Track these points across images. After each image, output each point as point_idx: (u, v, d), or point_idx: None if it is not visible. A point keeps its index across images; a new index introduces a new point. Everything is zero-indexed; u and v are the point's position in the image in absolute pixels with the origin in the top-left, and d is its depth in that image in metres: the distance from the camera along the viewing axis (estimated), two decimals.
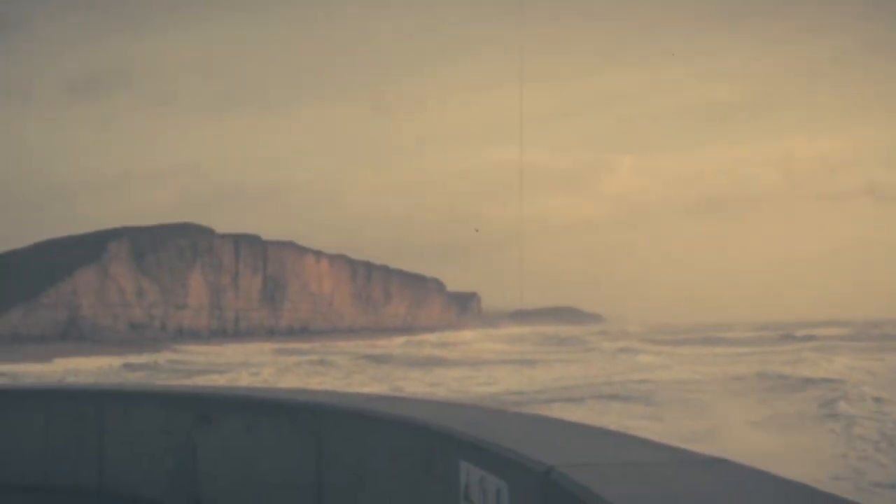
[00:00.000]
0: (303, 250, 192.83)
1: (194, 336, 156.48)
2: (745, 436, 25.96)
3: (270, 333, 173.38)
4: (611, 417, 30.57)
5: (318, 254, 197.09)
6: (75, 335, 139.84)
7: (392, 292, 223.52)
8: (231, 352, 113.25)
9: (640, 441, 4.64)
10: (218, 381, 58.67)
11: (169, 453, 8.47)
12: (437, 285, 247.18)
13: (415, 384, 52.41)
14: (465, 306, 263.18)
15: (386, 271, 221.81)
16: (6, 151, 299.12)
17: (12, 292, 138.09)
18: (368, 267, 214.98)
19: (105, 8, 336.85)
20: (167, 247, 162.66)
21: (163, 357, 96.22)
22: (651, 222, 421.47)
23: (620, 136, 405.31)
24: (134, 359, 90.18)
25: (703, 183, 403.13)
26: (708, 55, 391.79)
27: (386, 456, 6.08)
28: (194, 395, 8.76)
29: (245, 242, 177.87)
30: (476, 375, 59.15)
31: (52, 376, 63.97)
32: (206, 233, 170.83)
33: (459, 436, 4.95)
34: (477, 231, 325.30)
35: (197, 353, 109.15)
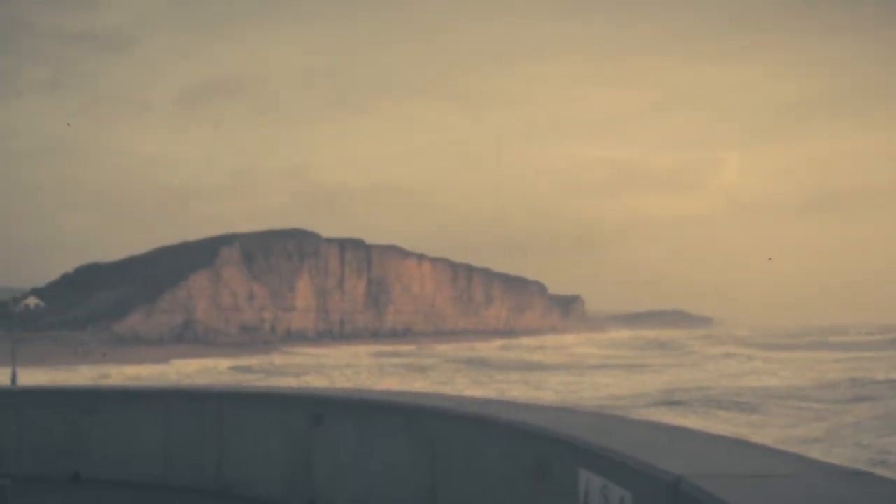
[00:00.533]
0: (405, 254, 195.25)
1: (302, 338, 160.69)
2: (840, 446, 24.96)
3: (374, 336, 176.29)
4: (709, 424, 29.78)
5: (420, 257, 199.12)
6: (190, 338, 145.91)
7: (493, 295, 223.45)
8: (336, 353, 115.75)
9: (772, 451, 4.42)
10: (314, 381, 60.10)
11: (284, 454, 8.64)
12: (539, 288, 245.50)
13: (518, 388, 52.23)
14: (567, 309, 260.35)
15: (487, 274, 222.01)
16: (124, 160, 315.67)
17: (132, 297, 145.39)
18: (469, 269, 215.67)
19: (214, 20, 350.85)
20: (276, 251, 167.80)
21: (272, 359, 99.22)
22: (761, 220, 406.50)
23: (724, 132, 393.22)
24: (244, 360, 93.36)
25: (814, 178, 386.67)
26: (810, 46, 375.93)
27: (499, 460, 6.01)
28: (308, 397, 8.92)
29: (350, 246, 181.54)
30: (578, 380, 58.48)
31: (170, 377, 66.95)
32: (313, 237, 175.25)
33: (578, 442, 4.83)
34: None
35: (304, 355, 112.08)
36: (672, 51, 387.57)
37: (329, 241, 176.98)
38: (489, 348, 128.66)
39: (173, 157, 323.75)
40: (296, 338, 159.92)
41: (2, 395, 11.24)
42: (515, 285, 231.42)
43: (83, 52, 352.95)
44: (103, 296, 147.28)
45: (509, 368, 75.38)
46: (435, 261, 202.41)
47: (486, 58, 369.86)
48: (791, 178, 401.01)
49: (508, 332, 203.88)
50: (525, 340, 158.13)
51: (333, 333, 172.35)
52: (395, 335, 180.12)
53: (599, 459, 4.46)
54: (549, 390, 50.44)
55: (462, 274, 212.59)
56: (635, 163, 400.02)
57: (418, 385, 57.30)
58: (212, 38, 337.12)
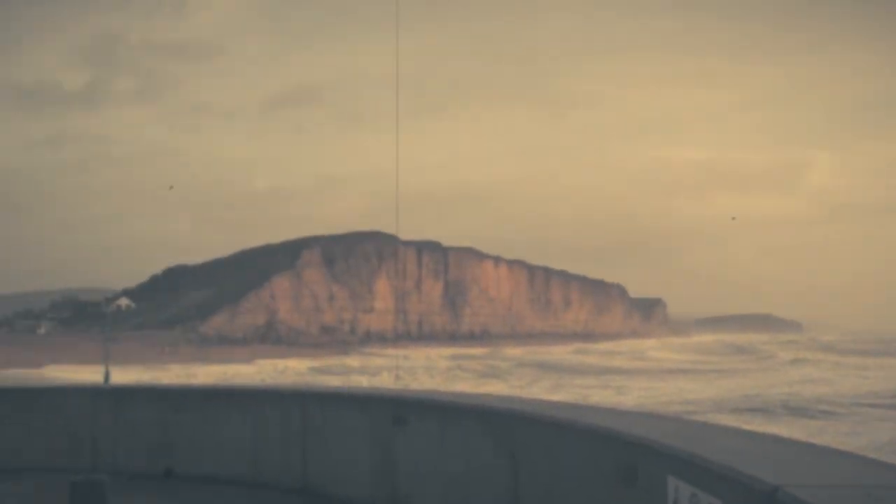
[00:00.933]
0: (482, 256, 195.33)
1: (380, 339, 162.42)
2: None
3: (451, 337, 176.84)
4: (773, 429, 29.01)
5: (497, 259, 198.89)
6: (273, 338, 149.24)
7: (571, 298, 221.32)
8: (414, 355, 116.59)
9: (873, 462, 4.22)
10: (394, 383, 60.65)
11: (368, 454, 8.74)
12: (619, 291, 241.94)
13: (598, 393, 51.63)
14: (649, 313, 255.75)
15: (565, 276, 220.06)
16: (213, 164, 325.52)
17: (218, 298, 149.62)
18: (547, 272, 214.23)
19: (298, 29, 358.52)
20: (355, 254, 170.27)
21: (351, 360, 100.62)
22: (855, 221, 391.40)
23: (812, 130, 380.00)
24: (325, 361, 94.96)
25: None
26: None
27: (582, 465, 5.94)
28: (391, 398, 9.00)
29: (427, 249, 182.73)
30: (658, 386, 57.48)
31: (255, 376, 68.62)
32: (391, 240, 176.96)
33: (666, 449, 4.72)
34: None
35: (382, 356, 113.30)
36: (755, 46, 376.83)
37: (407, 243, 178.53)
38: (567, 352, 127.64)
39: (257, 162, 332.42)
40: (374, 339, 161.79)
41: (97, 394, 11.69)
42: (594, 288, 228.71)
43: (172, 61, 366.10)
44: (190, 297, 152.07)
45: (588, 373, 74.64)
46: (512, 263, 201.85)
47: (566, 59, 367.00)
48: (885, 177, 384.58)
49: (587, 336, 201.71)
50: (605, 344, 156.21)
51: (411, 334, 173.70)
52: (472, 337, 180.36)
53: (689, 466, 4.35)
54: (630, 395, 49.72)
55: (539, 276, 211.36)
56: (720, 163, 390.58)
57: (496, 388, 57.25)
58: (295, 46, 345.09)
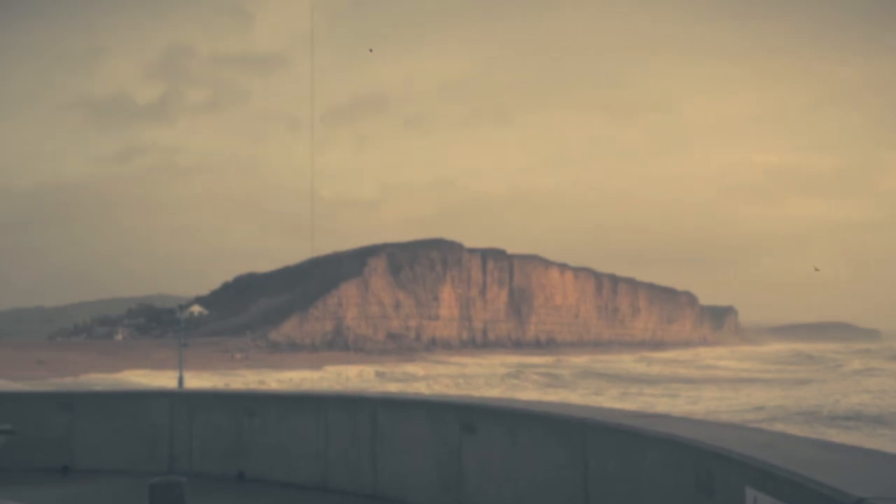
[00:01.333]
0: (547, 263, 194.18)
1: (446, 346, 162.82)
2: None
3: (517, 345, 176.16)
4: (842, 439, 28.07)
5: (563, 266, 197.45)
6: (340, 344, 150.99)
7: (640, 306, 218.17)
8: (479, 362, 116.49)
9: None
10: (461, 390, 60.56)
11: (437, 460, 8.75)
12: (689, 299, 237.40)
13: (668, 402, 50.71)
14: (720, 321, 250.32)
15: (632, 284, 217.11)
16: (280, 174, 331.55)
17: (287, 305, 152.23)
18: (614, 279, 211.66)
19: (360, 40, 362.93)
20: (420, 261, 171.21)
21: (418, 367, 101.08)
22: None
23: (887, 132, 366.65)
24: (392, 367, 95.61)
25: None
26: None
27: (656, 475, 5.84)
28: (459, 405, 9.00)
29: (491, 256, 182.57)
30: (731, 396, 56.19)
31: (323, 382, 69.52)
32: (456, 247, 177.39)
33: (744, 459, 4.61)
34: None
35: (448, 363, 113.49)
36: (824, 47, 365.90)
37: (472, 251, 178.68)
38: (636, 360, 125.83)
39: (323, 171, 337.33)
40: (439, 346, 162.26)
41: (173, 398, 12.00)
42: (663, 296, 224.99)
43: (240, 73, 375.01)
44: (260, 304, 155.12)
45: (656, 381, 73.39)
46: (578, 270, 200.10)
47: (632, 63, 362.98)
48: None
49: (656, 345, 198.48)
50: (673, 353, 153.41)
51: (476, 342, 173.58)
52: (538, 345, 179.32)
53: (769, 477, 4.24)
54: (699, 404, 48.71)
55: (606, 284, 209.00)
56: (792, 167, 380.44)
57: (563, 396, 56.75)
58: (358, 56, 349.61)
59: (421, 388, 64.65)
